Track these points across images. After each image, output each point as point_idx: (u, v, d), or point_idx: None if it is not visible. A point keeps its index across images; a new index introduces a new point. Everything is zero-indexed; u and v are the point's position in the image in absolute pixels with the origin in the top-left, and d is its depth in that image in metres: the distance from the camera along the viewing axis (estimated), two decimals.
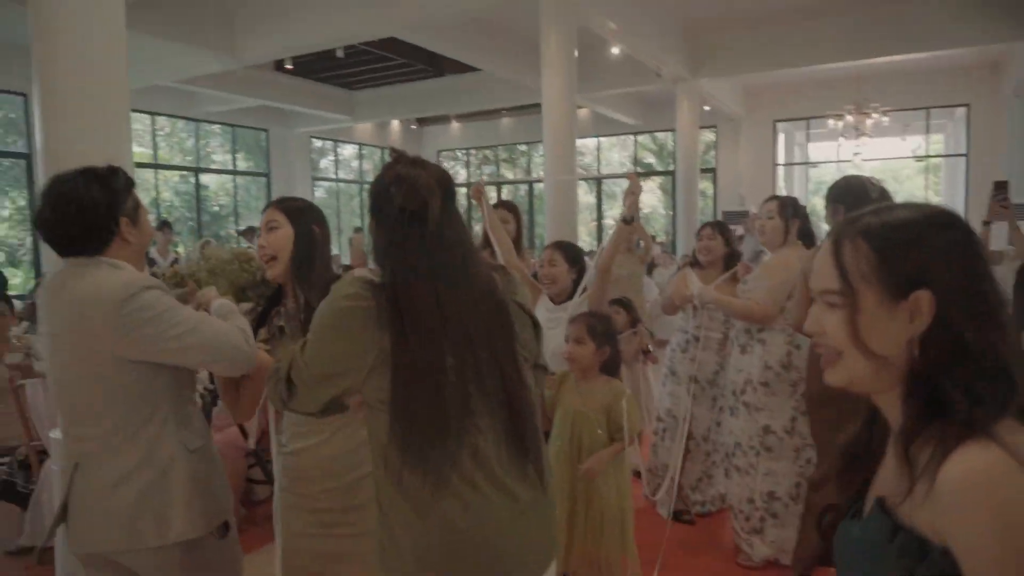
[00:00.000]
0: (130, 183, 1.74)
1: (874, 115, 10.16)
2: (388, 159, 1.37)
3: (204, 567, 1.70)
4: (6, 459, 3.54)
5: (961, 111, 12.18)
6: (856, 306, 0.85)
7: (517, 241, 3.70)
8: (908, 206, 0.89)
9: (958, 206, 11.56)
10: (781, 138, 13.63)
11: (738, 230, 11.63)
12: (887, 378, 0.85)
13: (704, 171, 13.60)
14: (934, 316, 0.81)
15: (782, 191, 14.08)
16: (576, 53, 6.26)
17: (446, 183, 1.35)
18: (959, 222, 0.86)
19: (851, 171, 15.70)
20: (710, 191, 14.11)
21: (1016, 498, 0.71)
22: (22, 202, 10.05)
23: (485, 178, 16.61)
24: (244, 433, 3.14)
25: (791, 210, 3.17)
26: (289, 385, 1.35)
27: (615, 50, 7.66)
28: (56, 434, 2.60)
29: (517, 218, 3.60)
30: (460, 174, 17.39)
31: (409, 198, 1.28)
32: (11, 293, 7.70)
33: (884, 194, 2.60)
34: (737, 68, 9.42)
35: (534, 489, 1.35)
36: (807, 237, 3.22)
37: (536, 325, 1.44)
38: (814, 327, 0.91)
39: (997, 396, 0.78)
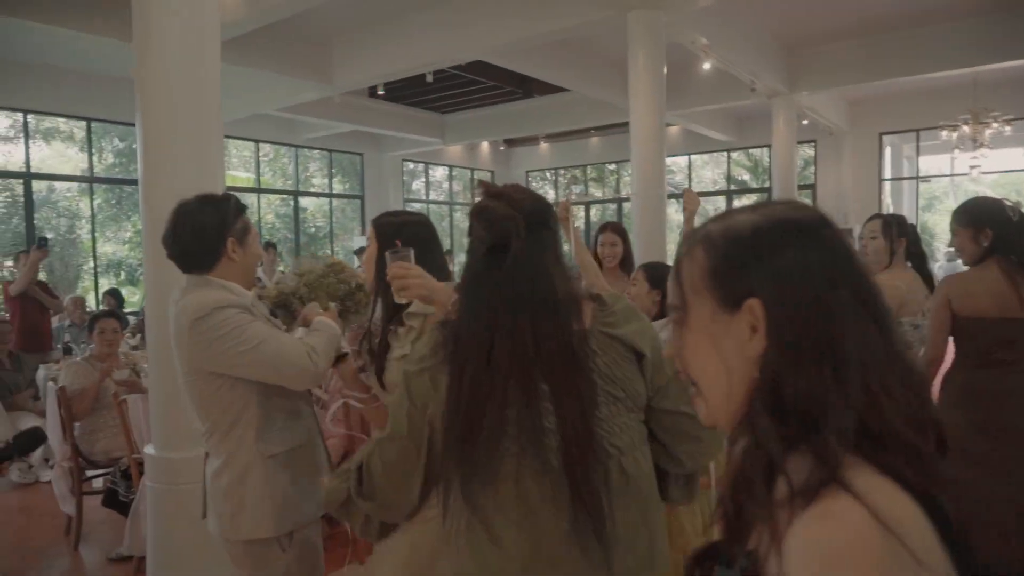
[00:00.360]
0: (241, 208, 1.90)
1: (994, 125, 9.41)
2: (477, 181, 1.38)
3: (270, 568, 1.81)
4: (111, 468, 3.74)
5: None
6: (685, 321, 0.76)
7: (625, 263, 3.68)
8: (760, 208, 0.78)
9: None
10: (887, 151, 12.88)
11: None
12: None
13: (802, 187, 13.03)
14: (767, 331, 0.69)
15: (889, 208, 13.29)
16: (665, 70, 6.12)
17: (536, 214, 1.28)
18: (815, 227, 0.74)
19: (968, 185, 14.72)
20: None
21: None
22: (141, 225, 10.82)
23: (573, 196, 16.56)
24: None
25: (896, 229, 2.94)
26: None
27: (706, 65, 7.45)
28: (150, 450, 2.70)
29: (625, 240, 3.68)
30: (549, 194, 17.43)
31: (490, 231, 1.25)
32: (127, 310, 8.27)
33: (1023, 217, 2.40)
34: (839, 80, 8.96)
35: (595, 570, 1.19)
36: (917, 258, 2.98)
37: (642, 358, 1.29)
38: (668, 350, 0.80)
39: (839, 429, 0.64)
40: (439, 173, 16.36)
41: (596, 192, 16.55)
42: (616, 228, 3.85)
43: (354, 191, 14.32)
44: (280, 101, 9.33)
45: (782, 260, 0.71)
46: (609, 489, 1.21)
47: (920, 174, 14.63)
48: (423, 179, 15.95)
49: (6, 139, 9.95)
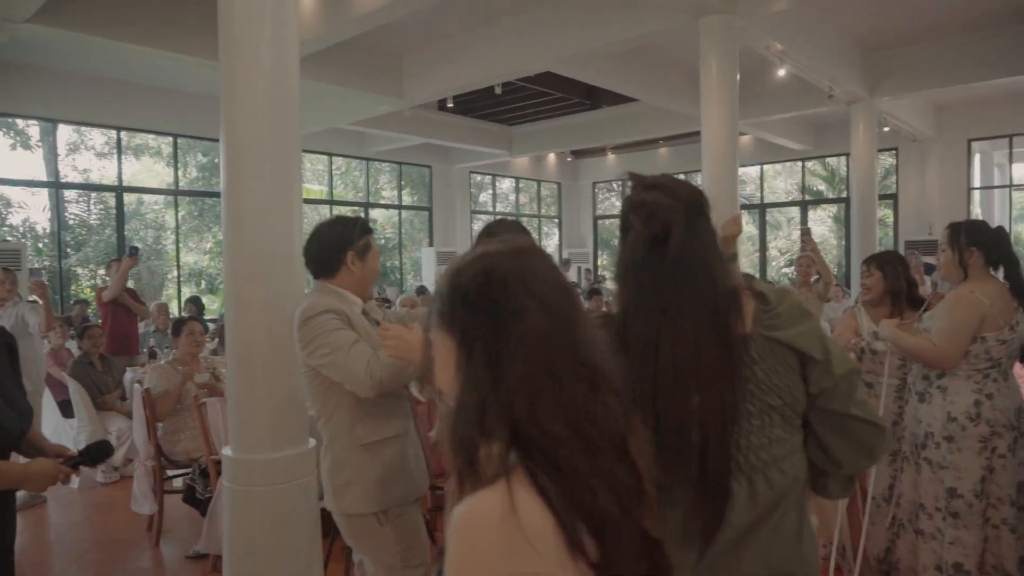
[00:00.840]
0: (365, 228, 2.19)
1: None
2: (627, 173, 1.34)
3: (373, 539, 2.09)
4: (191, 468, 3.88)
5: None
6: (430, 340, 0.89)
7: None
8: (499, 239, 0.94)
9: None
10: (976, 159, 12.22)
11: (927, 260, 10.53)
12: None
13: (882, 197, 12.50)
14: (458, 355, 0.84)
15: (978, 217, 12.57)
16: (738, 77, 5.98)
17: (694, 203, 1.26)
18: (500, 265, 0.86)
19: None
20: (890, 219, 12.92)
21: (482, 542, 0.77)
22: (222, 236, 11.29)
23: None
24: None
25: (966, 238, 2.74)
26: None
27: (781, 72, 7.23)
28: (228, 451, 2.78)
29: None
30: (616, 206, 17.25)
31: (649, 223, 1.23)
32: (207, 318, 8.61)
33: None
34: (923, 84, 8.54)
35: None
36: (1007, 268, 2.77)
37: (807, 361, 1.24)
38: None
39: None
40: (506, 185, 16.47)
41: None
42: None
43: (422, 203, 14.56)
44: (353, 115, 9.59)
45: (469, 291, 0.87)
46: (755, 503, 1.20)
47: (1013, 182, 13.78)
48: (490, 191, 16.09)
49: (101, 155, 10.58)
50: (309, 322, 2.00)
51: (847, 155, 13.26)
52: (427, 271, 13.59)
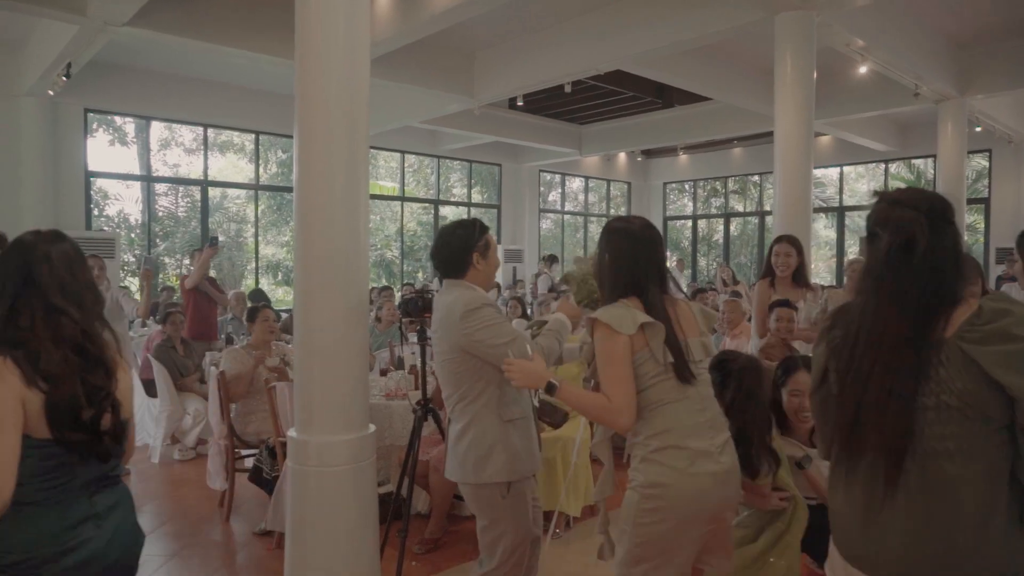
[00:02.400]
0: (483, 228, 2.48)
1: None
2: (872, 191, 1.51)
3: (494, 510, 2.39)
4: (259, 449, 4.06)
5: None
6: None
7: (798, 274, 4.01)
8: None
9: None
10: None
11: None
12: None
13: (972, 201, 11.85)
14: None
15: None
16: (815, 75, 5.79)
17: (937, 213, 1.40)
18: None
19: None
20: (980, 225, 12.23)
21: None
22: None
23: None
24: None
25: None
26: None
27: (862, 69, 6.95)
28: (293, 433, 2.91)
29: (799, 251, 4.03)
30: (687, 207, 17.01)
31: (895, 233, 1.39)
32: (280, 308, 8.95)
33: None
34: (1018, 82, 8.06)
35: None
36: None
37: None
38: None
39: None
40: (575, 184, 16.43)
41: (737, 206, 15.93)
42: (791, 240, 4.12)
43: (491, 201, 14.70)
44: (424, 114, 9.78)
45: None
46: (924, 485, 1.34)
47: None
48: (559, 190, 16.09)
49: (189, 150, 11.16)
50: (475, 313, 2.30)
51: (934, 156, 12.65)
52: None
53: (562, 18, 7.19)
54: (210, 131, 10.77)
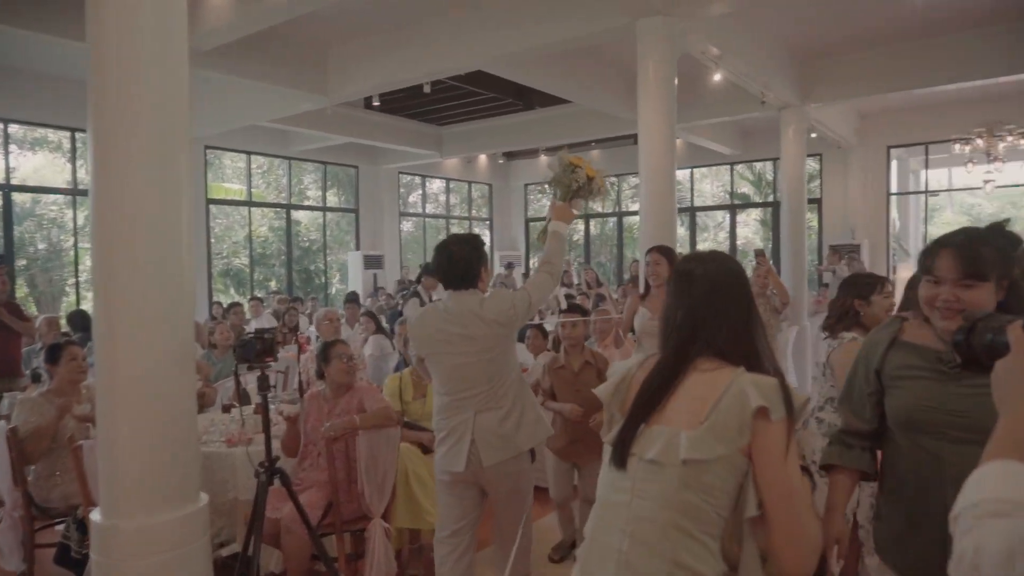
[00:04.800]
0: (482, 242, 2.76)
1: (1008, 138, 9.12)
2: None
3: (523, 478, 2.68)
4: (66, 519, 3.34)
5: None
6: None
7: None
8: None
9: None
10: (894, 165, 12.59)
11: (825, 276, 10.72)
12: None
13: (807, 201, 12.72)
14: None
15: (895, 222, 12.98)
16: (676, 81, 5.79)
17: None
18: None
19: (966, 198, 14.31)
20: (814, 223, 13.18)
21: None
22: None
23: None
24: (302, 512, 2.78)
25: None
26: None
27: (717, 76, 7.12)
28: (97, 516, 2.31)
29: (670, 260, 3.94)
30: (546, 208, 17.05)
31: None
32: None
33: None
34: (851, 91, 8.65)
35: None
36: None
37: None
38: None
39: None
40: (436, 186, 16.02)
41: (596, 206, 16.18)
42: (661, 249, 4.06)
43: (348, 204, 13.96)
44: (272, 112, 8.97)
45: None
46: None
47: (928, 188, 14.31)
48: (419, 192, 15.60)
49: None
50: (504, 302, 2.58)
51: (774, 160, 13.50)
52: (353, 275, 13.02)
53: (421, 15, 6.77)
54: (13, 126, 9.31)
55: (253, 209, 12.57)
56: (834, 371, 2.70)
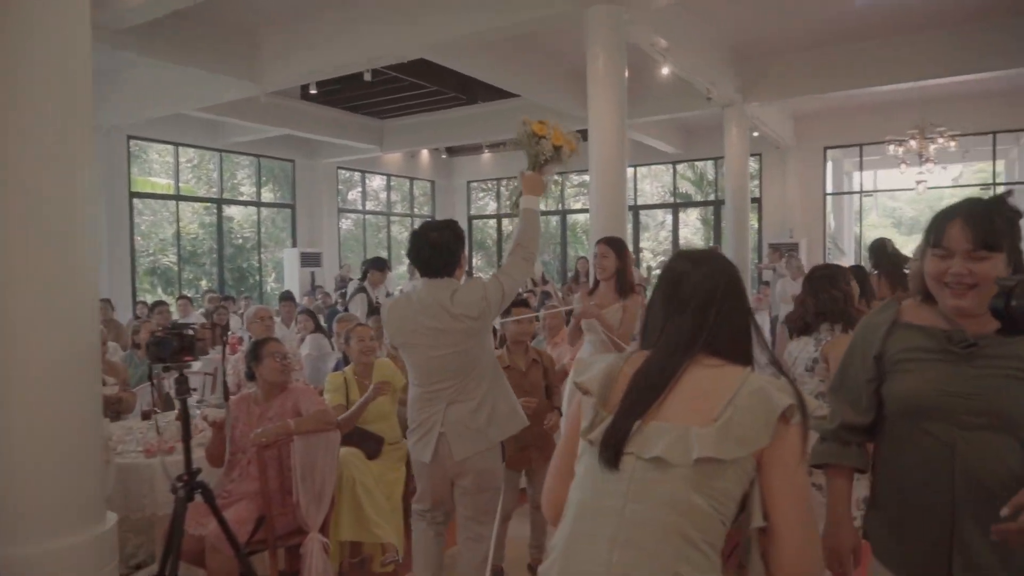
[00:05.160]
0: (463, 231, 2.65)
1: (940, 140, 9.39)
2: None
3: (495, 475, 2.65)
4: None
5: None
6: None
7: (621, 279, 3.61)
8: None
9: None
10: (829, 166, 12.91)
11: (766, 275, 10.88)
12: None
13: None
14: None
15: (831, 223, 13.31)
16: (626, 73, 5.68)
17: None
18: None
19: (902, 202, 14.83)
20: (754, 222, 13.40)
21: None
22: None
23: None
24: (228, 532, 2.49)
25: None
26: None
27: (664, 70, 7.05)
28: None
29: (618, 253, 3.63)
30: (490, 206, 16.93)
31: None
32: None
33: None
34: (791, 91, 8.77)
35: None
36: None
37: None
38: None
39: None
40: (376, 182, 15.61)
41: (541, 205, 16.06)
42: (608, 240, 3.74)
43: (285, 200, 13.42)
44: (200, 100, 8.48)
45: None
46: None
47: (863, 189, 14.75)
48: (359, 188, 15.17)
49: None
50: (475, 293, 2.49)
51: (715, 159, 13.67)
52: (290, 273, 12.52)
53: None
54: None
55: (183, 205, 11.95)
56: (829, 364, 2.58)
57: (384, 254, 14.29)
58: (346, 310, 6.71)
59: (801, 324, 2.78)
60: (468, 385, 2.53)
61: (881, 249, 3.42)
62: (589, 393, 1.31)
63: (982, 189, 13.80)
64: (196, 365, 5.78)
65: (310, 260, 12.58)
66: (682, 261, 1.39)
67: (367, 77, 7.09)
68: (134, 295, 10.18)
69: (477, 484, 2.60)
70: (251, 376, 3.04)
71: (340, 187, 14.35)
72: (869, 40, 8.03)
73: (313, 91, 8.33)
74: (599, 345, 3.57)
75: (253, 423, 2.95)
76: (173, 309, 8.43)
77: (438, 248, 2.51)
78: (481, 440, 2.54)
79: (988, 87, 9.98)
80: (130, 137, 10.24)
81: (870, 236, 15.36)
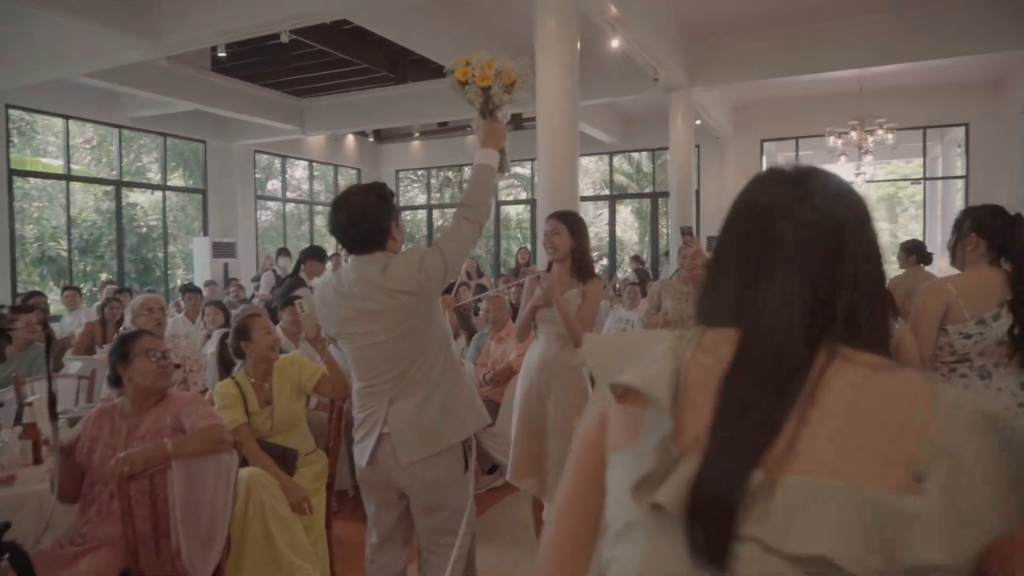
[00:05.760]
0: (391, 193, 2.24)
1: (879, 132, 9.32)
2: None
3: (458, 473, 2.22)
4: None
5: (955, 132, 11.61)
6: None
7: (578, 261, 3.03)
8: None
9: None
10: (764, 159, 12.82)
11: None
12: None
13: None
14: None
15: None
16: (578, 46, 5.11)
17: None
18: None
19: (887, 187, 14.93)
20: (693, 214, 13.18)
21: None
22: None
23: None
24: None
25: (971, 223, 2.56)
26: None
27: (615, 43, 6.51)
28: None
29: (573, 230, 3.04)
30: (419, 197, 16.19)
31: None
32: None
33: None
34: (739, 75, 8.46)
35: None
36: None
37: None
38: None
39: None
40: (298, 170, 14.61)
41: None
42: (560, 215, 3.10)
43: (196, 185, 12.28)
44: (92, 62, 7.37)
45: None
46: None
47: None
48: (279, 176, 14.13)
49: None
50: (411, 265, 2.08)
51: (653, 151, 13.40)
52: (199, 264, 11.43)
53: None
54: None
55: (78, 188, 10.70)
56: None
57: (305, 245, 13.30)
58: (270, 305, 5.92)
59: None
60: (413, 376, 2.15)
61: None
62: (651, 403, 0.72)
63: (912, 183, 14.10)
64: (73, 366, 4.94)
65: (223, 250, 11.54)
66: (774, 185, 0.81)
67: (284, 39, 6.25)
68: (14, 287, 8.97)
69: (429, 499, 2.21)
70: (116, 381, 2.31)
71: (258, 174, 13.30)
72: (817, 23, 7.80)
73: (222, 54, 7.38)
74: (555, 339, 3.01)
75: (119, 444, 2.23)
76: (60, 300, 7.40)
77: (361, 216, 2.12)
78: (430, 442, 2.16)
79: (920, 81, 10.02)
80: (9, 106, 8.98)
81: None
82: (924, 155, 11.86)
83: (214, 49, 8.92)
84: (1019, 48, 7.47)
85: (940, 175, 13.02)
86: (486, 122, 2.31)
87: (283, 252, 10.23)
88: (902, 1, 7.26)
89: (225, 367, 3.21)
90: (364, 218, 2.12)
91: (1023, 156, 10.32)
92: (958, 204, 11.29)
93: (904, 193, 22.15)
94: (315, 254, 5.82)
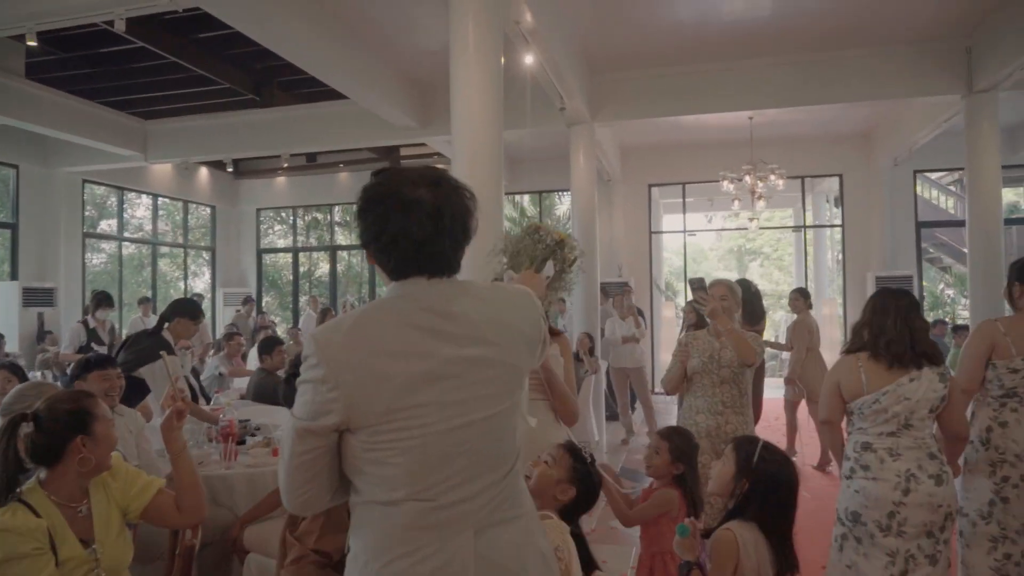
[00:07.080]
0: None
1: (771, 178, 9.24)
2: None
3: None
4: None
5: (827, 183, 12.02)
6: None
7: None
8: None
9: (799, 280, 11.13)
10: (656, 204, 12.65)
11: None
12: None
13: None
14: None
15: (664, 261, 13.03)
16: (502, 60, 4.26)
17: None
18: None
19: (736, 238, 15.13)
20: None
21: None
22: None
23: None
24: None
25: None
26: None
27: (528, 58, 5.69)
28: None
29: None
30: (282, 240, 14.68)
31: None
32: None
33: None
34: (638, 111, 8.03)
35: None
36: None
37: None
38: None
39: None
40: (140, 211, 12.66)
41: (343, 239, 14.14)
42: None
43: (4, 219, 10.12)
44: None
45: None
46: None
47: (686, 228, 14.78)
48: (115, 211, 12.13)
49: None
50: (526, 297, 1.43)
51: (539, 193, 12.88)
52: (6, 314, 9.28)
53: None
54: None
55: None
56: None
57: (148, 293, 11.39)
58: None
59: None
60: (516, 484, 1.35)
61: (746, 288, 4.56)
62: None
63: (794, 231, 14.51)
64: None
65: (38, 297, 9.49)
66: None
67: (119, 26, 4.86)
68: None
69: None
70: None
71: (89, 210, 11.30)
72: (715, 63, 7.55)
73: (32, 43, 5.73)
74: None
75: None
76: None
77: (471, 221, 1.38)
78: None
79: (800, 132, 10.21)
80: None
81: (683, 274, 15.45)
82: (803, 203, 12.11)
83: (29, 52, 7.32)
84: (904, 96, 7.57)
85: (813, 223, 13.45)
86: (527, 272, 2.23)
87: (103, 300, 7.60)
88: (796, 44, 7.18)
89: (6, 482, 1.90)
90: (457, 221, 1.35)
91: (892, 206, 10.83)
92: (833, 253, 11.57)
93: (753, 245, 23.29)
94: (187, 310, 4.37)
